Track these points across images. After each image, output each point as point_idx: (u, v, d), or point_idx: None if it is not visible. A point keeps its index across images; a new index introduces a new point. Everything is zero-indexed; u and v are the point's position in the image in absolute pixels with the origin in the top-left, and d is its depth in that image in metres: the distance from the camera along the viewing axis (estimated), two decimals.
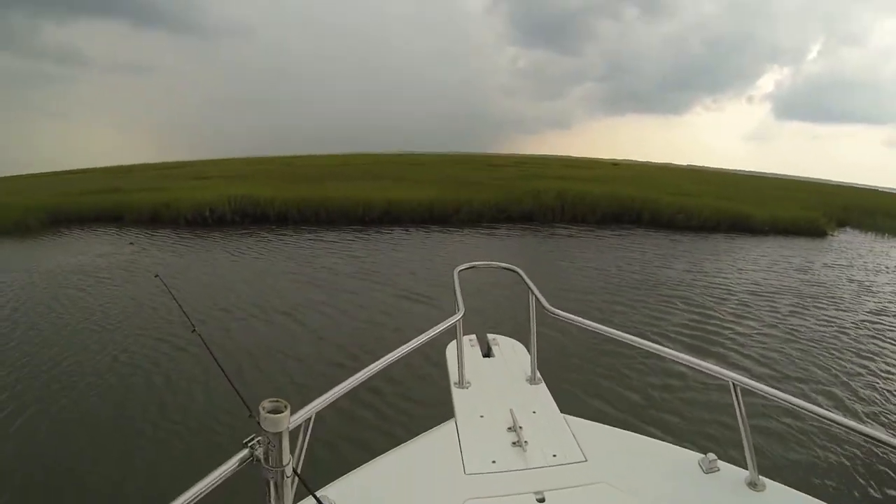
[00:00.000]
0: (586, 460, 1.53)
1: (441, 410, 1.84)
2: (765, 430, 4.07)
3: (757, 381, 1.48)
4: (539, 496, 1.37)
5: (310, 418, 1.21)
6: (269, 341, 6.06)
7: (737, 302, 8.10)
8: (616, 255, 11.51)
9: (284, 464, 1.00)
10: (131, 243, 11.83)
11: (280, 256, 10.65)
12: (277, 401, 0.97)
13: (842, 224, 21.21)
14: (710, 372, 1.59)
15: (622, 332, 1.83)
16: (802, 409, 1.41)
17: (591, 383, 4.92)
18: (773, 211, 17.11)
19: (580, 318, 1.93)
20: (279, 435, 0.97)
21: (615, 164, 51.09)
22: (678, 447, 1.62)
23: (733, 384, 1.46)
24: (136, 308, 7.21)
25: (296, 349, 5.84)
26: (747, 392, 1.45)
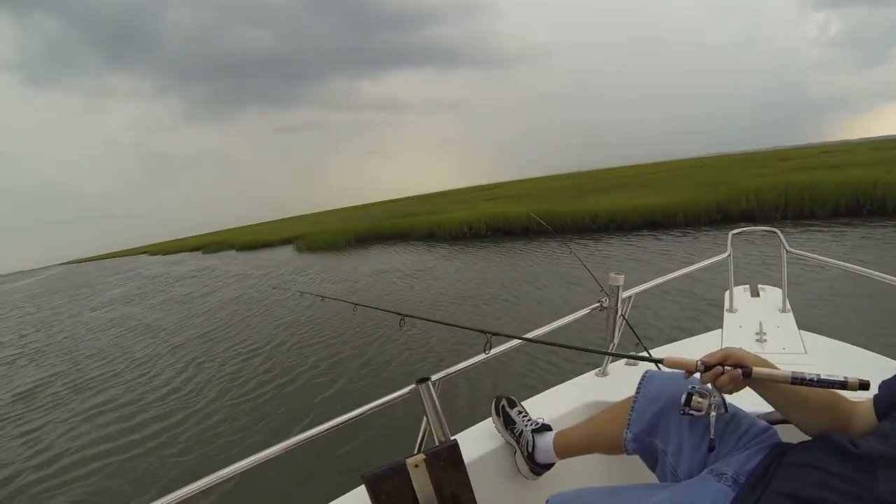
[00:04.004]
0: (805, 353, 1.99)
1: (713, 325, 2.54)
2: None
3: None
4: None
5: (631, 296, 2.03)
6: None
7: None
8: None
9: (617, 306, 1.91)
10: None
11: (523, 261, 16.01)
12: (618, 272, 1.87)
13: None
14: None
15: (850, 264, 2.26)
16: None
17: (829, 308, 6.08)
18: None
19: (817, 255, 2.55)
20: (617, 288, 1.88)
21: None
22: (884, 356, 1.91)
23: None
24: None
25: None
26: None
